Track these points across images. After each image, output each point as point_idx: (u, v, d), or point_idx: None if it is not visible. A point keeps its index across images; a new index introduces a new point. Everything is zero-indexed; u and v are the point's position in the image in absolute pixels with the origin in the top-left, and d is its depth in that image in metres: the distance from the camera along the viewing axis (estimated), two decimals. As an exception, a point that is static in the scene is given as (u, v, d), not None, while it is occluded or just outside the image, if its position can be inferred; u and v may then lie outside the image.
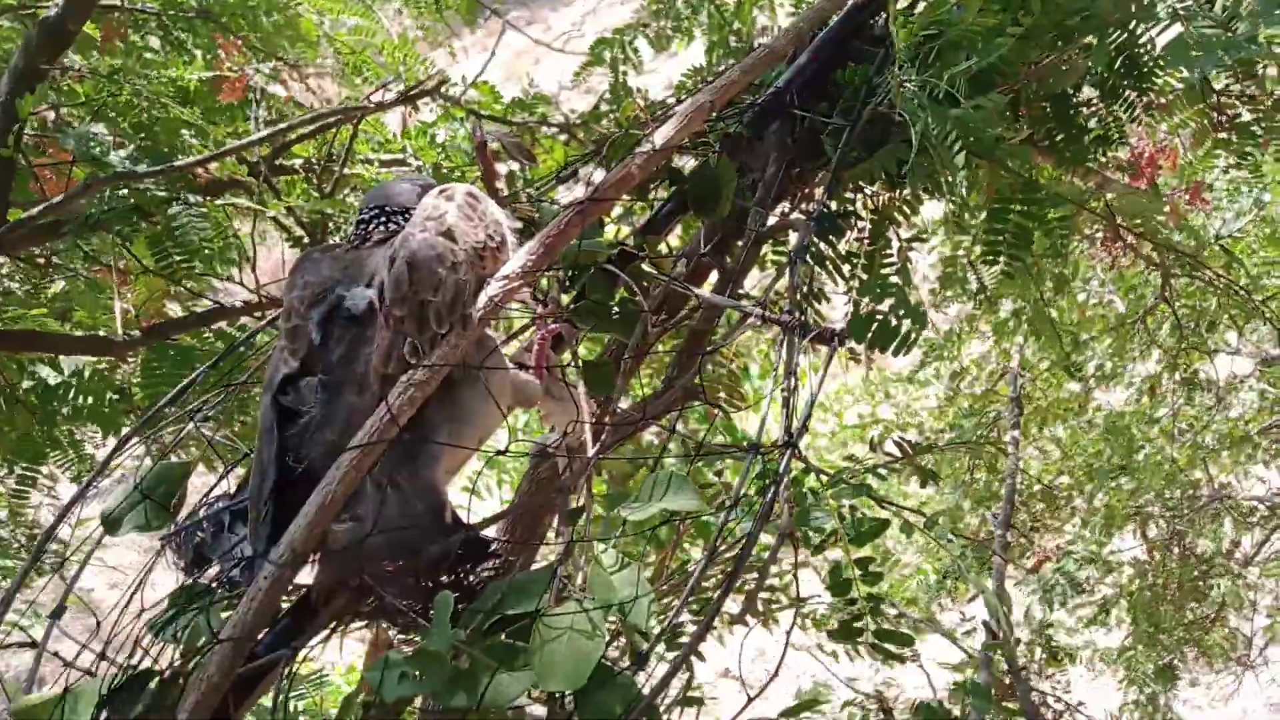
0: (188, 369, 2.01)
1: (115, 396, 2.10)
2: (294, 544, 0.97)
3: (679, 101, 3.22)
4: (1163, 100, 1.92)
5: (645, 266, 1.28)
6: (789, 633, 1.22)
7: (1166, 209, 3.30)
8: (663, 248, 1.58)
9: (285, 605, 1.05)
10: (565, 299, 1.27)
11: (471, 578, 1.04)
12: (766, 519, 1.01)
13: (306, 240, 2.31)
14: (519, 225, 1.22)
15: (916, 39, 1.38)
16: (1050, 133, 1.84)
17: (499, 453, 1.14)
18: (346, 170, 2.48)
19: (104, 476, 1.35)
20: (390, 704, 0.96)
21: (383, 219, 1.14)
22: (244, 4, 2.65)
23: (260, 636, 0.99)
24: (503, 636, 0.94)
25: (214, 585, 1.07)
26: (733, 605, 1.36)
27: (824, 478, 1.25)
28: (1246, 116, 2.01)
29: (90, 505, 1.32)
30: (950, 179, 1.39)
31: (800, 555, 1.23)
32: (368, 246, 1.12)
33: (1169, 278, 3.31)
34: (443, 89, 2.42)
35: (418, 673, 0.93)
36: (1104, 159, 2.09)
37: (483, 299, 1.07)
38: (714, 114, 1.53)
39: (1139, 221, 2.35)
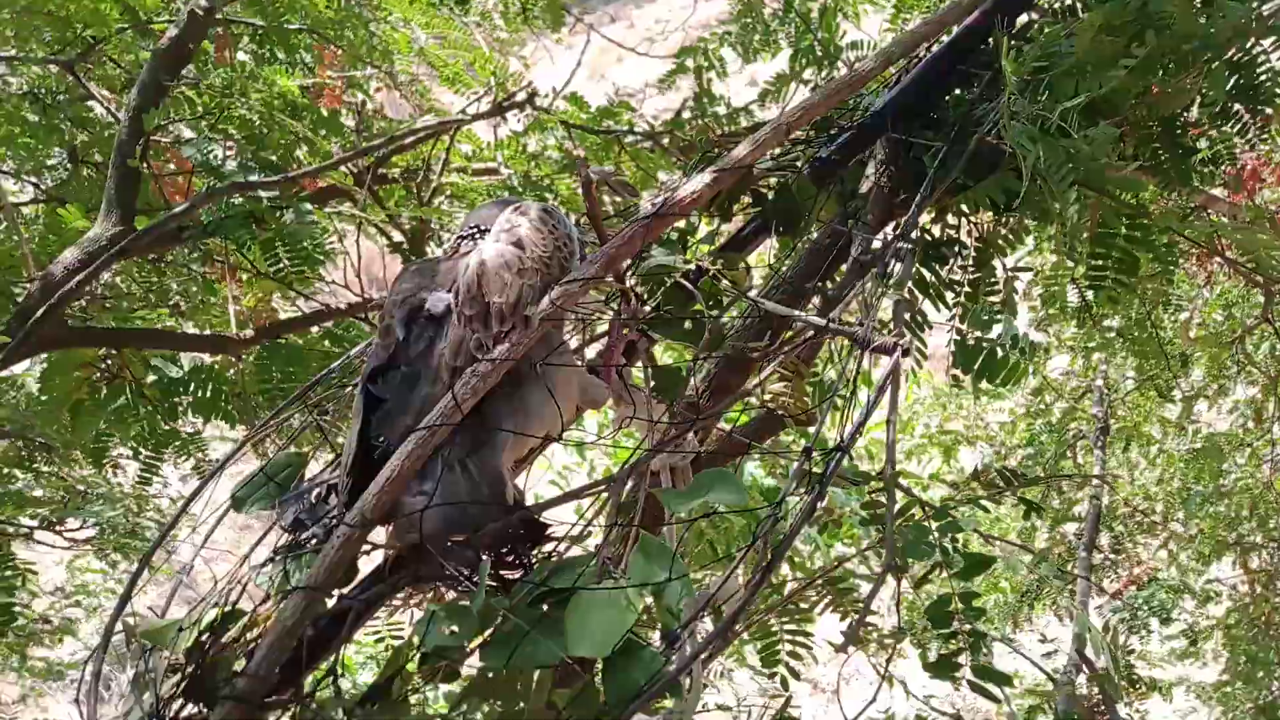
0: (298, 366, 2.11)
1: (232, 391, 2.23)
2: (365, 510, 1.10)
3: (755, 118, 3.23)
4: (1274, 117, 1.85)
5: (722, 282, 1.32)
6: (888, 661, 1.23)
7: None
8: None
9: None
10: (644, 309, 1.34)
11: (527, 556, 1.16)
12: (809, 516, 1.05)
13: (405, 245, 2.40)
14: (592, 240, 1.30)
15: (1027, 70, 1.37)
16: (1156, 153, 1.80)
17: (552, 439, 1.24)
18: (441, 179, 2.55)
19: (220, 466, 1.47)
20: (435, 653, 1.06)
21: (477, 234, 1.24)
22: (345, 18, 2.75)
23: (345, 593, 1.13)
24: (544, 608, 1.03)
25: (306, 545, 1.20)
26: (834, 632, 1.37)
27: (925, 508, 1.25)
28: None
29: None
30: (1062, 212, 1.37)
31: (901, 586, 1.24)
32: (457, 257, 1.24)
33: (1272, 297, 3.20)
34: (532, 100, 2.47)
35: (455, 628, 1.03)
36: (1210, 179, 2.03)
37: (544, 302, 1.16)
38: (802, 134, 1.54)
39: (1248, 255, 2.26)
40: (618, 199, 1.59)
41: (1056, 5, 1.70)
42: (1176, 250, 1.94)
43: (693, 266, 1.35)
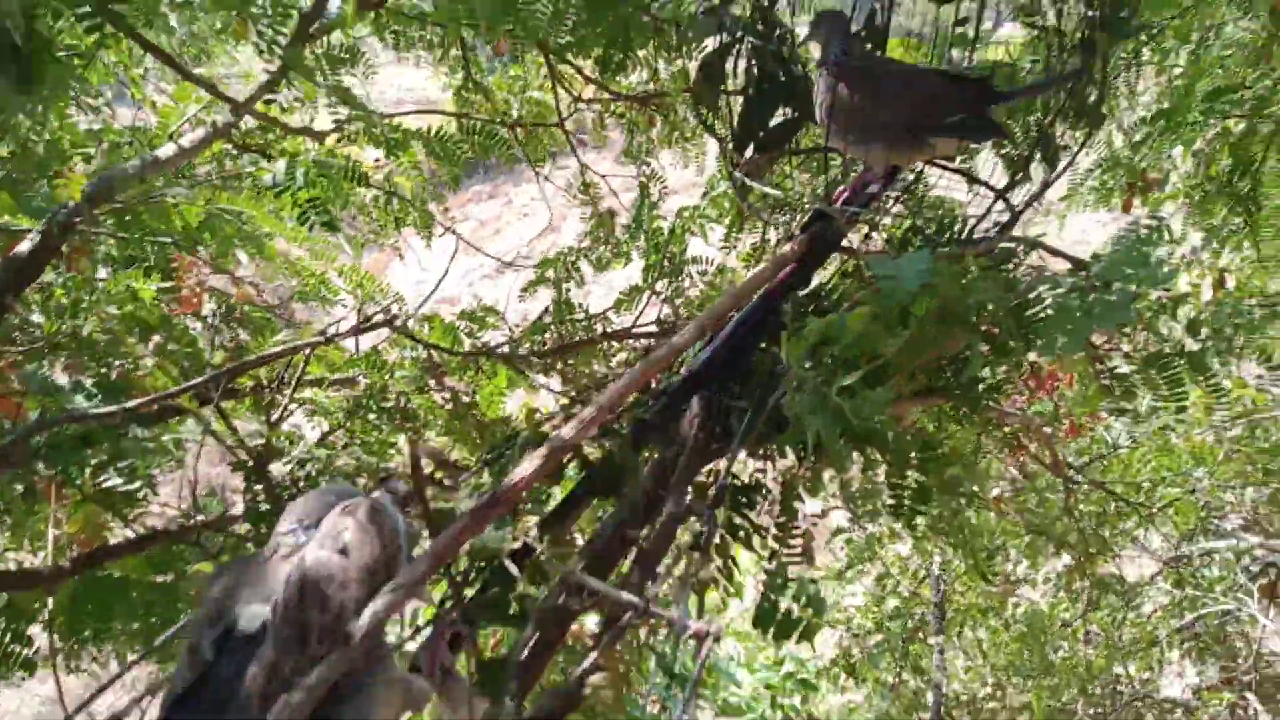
0: (121, 602, 2.03)
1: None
2: None
3: (612, 325, 3.42)
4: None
5: (545, 560, 1.38)
6: None
7: (1064, 427, 3.59)
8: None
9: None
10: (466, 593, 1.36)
11: None
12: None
13: (251, 464, 2.39)
14: (422, 533, 1.32)
15: (810, 346, 1.58)
16: (947, 385, 2.05)
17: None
18: (296, 395, 2.59)
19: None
20: None
21: (298, 531, 1.22)
22: (209, 228, 2.84)
23: None
24: None
25: None
26: None
27: None
28: (1124, 368, 2.24)
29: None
30: (838, 467, 1.56)
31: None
32: (277, 559, 1.20)
33: (1070, 489, 3.56)
34: (391, 322, 2.58)
35: None
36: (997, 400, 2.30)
37: (368, 614, 1.13)
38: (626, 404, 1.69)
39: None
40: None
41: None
42: (967, 477, 2.16)
43: (519, 545, 1.38)
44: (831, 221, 1.87)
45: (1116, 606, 4.10)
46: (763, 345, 1.86)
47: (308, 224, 2.25)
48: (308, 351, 2.48)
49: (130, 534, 2.26)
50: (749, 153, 2.16)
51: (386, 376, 2.70)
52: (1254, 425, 4.24)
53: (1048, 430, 3.14)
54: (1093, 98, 1.69)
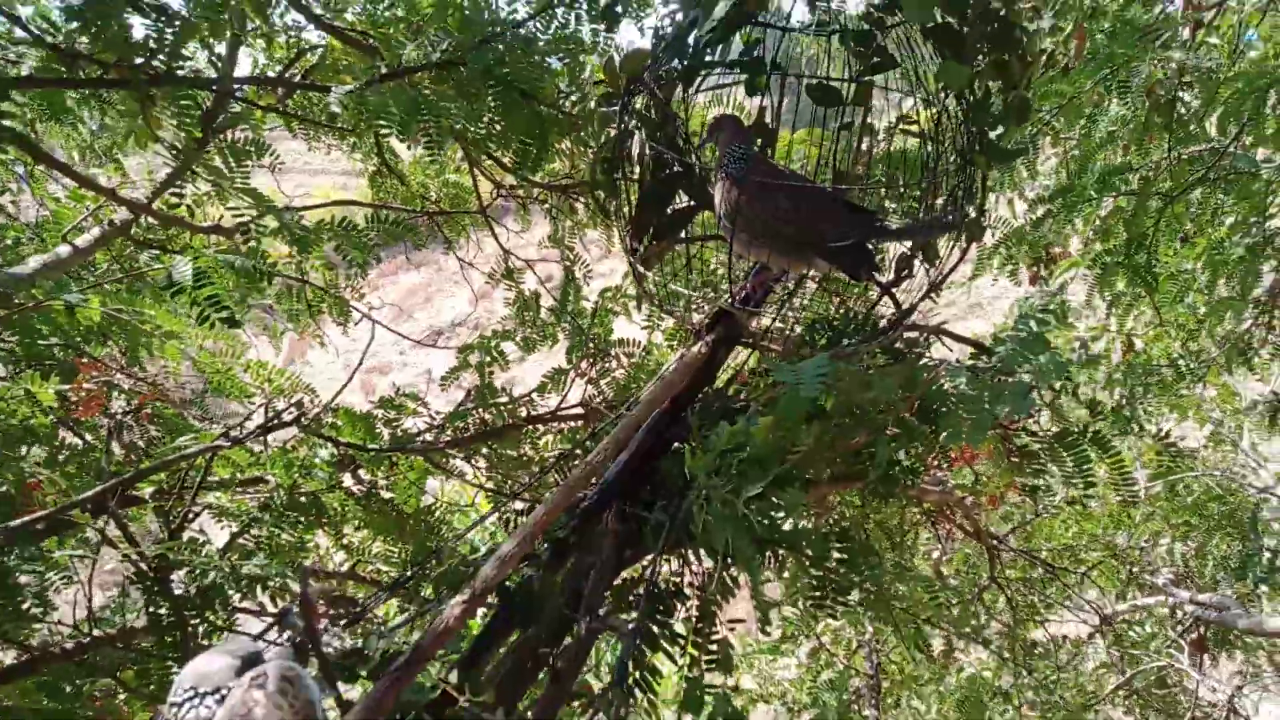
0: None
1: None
2: None
3: (537, 408, 3.38)
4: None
5: (465, 704, 1.33)
6: None
7: (985, 498, 3.66)
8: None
9: None
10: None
11: None
12: None
13: (151, 577, 2.27)
14: (335, 698, 1.25)
15: (716, 456, 1.57)
16: (861, 470, 2.06)
17: None
18: (198, 499, 2.49)
19: None
20: None
21: (196, 700, 1.13)
22: (117, 326, 2.74)
23: None
24: None
25: None
26: None
27: None
28: (1033, 446, 2.28)
29: None
30: (749, 572, 1.54)
31: None
32: None
33: (995, 558, 3.61)
34: (299, 420, 2.51)
35: None
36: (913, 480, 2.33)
37: None
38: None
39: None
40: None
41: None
42: (880, 572, 2.17)
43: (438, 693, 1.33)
44: (735, 318, 1.89)
45: (1050, 669, 4.13)
46: (676, 447, 1.85)
47: (207, 323, 2.18)
48: (209, 456, 2.38)
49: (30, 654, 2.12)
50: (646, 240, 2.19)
51: (296, 474, 2.61)
52: (1173, 484, 4.38)
53: (968, 501, 3.19)
54: (972, 213, 1.75)
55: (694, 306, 1.99)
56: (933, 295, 1.87)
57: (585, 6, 2.16)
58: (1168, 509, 4.25)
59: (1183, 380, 3.80)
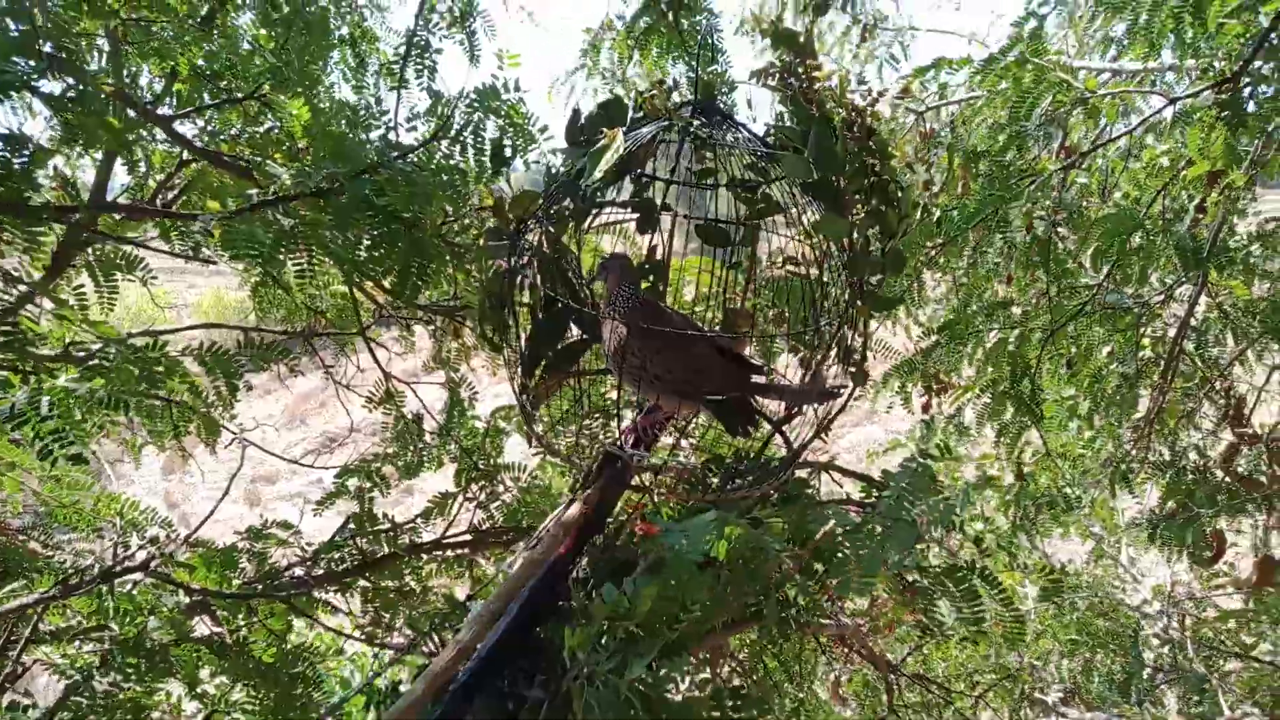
0: None
1: None
2: None
3: (419, 537, 3.19)
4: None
5: None
6: None
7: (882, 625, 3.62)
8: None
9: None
10: None
11: None
12: None
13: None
14: None
15: (599, 628, 1.47)
16: (757, 612, 1.98)
17: None
18: (32, 651, 2.21)
19: None
20: None
21: None
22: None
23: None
24: None
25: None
26: None
27: None
28: (922, 582, 2.26)
29: None
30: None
31: None
32: None
33: (891, 688, 3.55)
34: (148, 565, 2.28)
35: None
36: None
37: None
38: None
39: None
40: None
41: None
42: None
43: None
44: (621, 461, 1.81)
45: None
46: (561, 605, 1.73)
47: (49, 458, 1.97)
48: (40, 609, 2.12)
49: None
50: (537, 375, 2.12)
51: (142, 623, 2.35)
52: (1059, 603, 4.45)
53: (864, 630, 3.14)
54: (857, 356, 1.75)
55: (582, 449, 1.91)
56: (822, 435, 1.84)
57: (471, 140, 2.12)
58: (1055, 627, 4.29)
59: (1070, 510, 3.91)
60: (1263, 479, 4.62)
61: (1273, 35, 2.67)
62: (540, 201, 1.94)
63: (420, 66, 3.24)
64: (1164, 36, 2.93)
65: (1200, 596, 5.66)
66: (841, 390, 1.74)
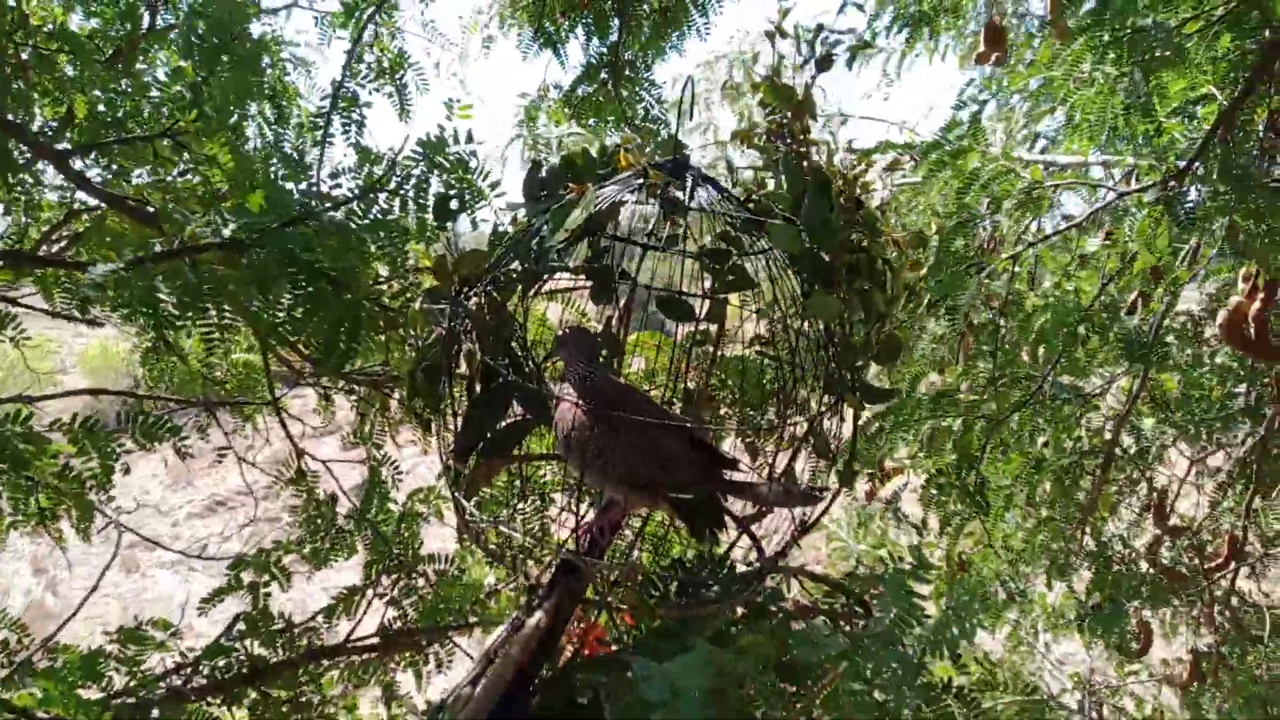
0: None
1: None
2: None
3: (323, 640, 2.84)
4: None
5: None
6: None
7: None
8: None
9: None
10: None
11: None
12: None
13: None
14: None
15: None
16: None
17: None
18: None
19: None
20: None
21: None
22: None
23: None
24: None
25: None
26: None
27: None
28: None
29: None
30: None
31: None
32: None
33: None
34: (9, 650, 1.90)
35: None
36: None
37: None
38: None
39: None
40: None
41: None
42: None
43: None
44: (578, 571, 1.57)
45: None
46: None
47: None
48: None
49: None
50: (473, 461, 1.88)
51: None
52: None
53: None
54: (845, 459, 1.58)
55: (529, 553, 1.65)
56: (798, 541, 1.64)
57: (413, 193, 1.90)
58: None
59: (1012, 604, 3.81)
60: (1184, 570, 4.65)
61: (1214, 138, 2.72)
62: (489, 262, 1.74)
63: (347, 120, 3.03)
64: (1101, 131, 2.96)
65: (1118, 685, 5.63)
66: (824, 493, 1.56)
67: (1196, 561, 4.56)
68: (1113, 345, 2.97)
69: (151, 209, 2.25)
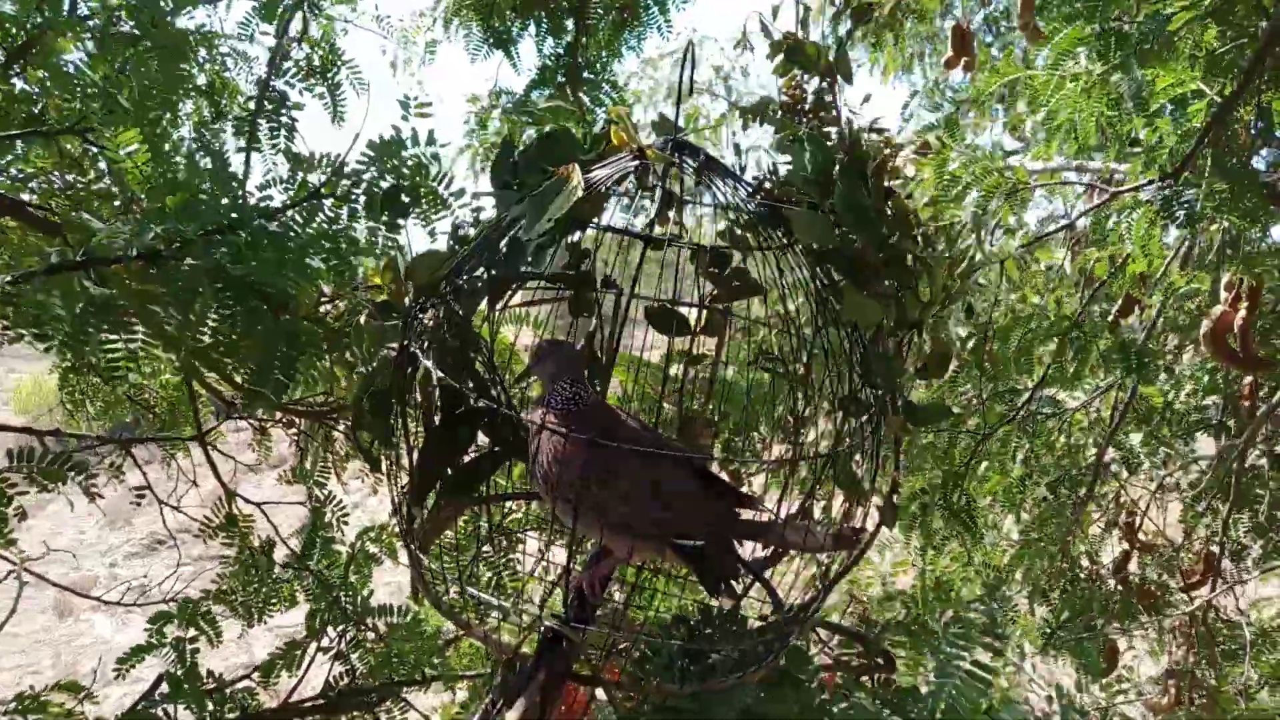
0: None
1: None
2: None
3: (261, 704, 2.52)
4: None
5: None
6: None
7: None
8: None
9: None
10: None
11: None
12: None
13: None
14: None
15: None
16: None
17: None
18: None
19: None
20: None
21: None
22: None
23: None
24: None
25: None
26: None
27: None
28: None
29: None
30: None
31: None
32: None
33: None
34: None
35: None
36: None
37: None
38: None
39: None
40: None
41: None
42: None
43: None
44: (564, 640, 1.30)
45: None
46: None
47: None
48: None
49: None
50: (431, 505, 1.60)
51: None
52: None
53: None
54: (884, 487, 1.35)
55: (507, 621, 1.37)
56: (828, 593, 1.40)
57: (361, 200, 1.63)
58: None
59: (995, 628, 3.63)
60: (1153, 589, 4.54)
61: (1208, 135, 2.59)
62: (448, 267, 1.47)
63: (275, 124, 2.73)
64: (1087, 131, 2.82)
65: (1106, 706, 5.52)
66: (862, 535, 1.32)
67: (1167, 579, 4.45)
68: (1110, 351, 2.82)
69: (56, 216, 1.94)
